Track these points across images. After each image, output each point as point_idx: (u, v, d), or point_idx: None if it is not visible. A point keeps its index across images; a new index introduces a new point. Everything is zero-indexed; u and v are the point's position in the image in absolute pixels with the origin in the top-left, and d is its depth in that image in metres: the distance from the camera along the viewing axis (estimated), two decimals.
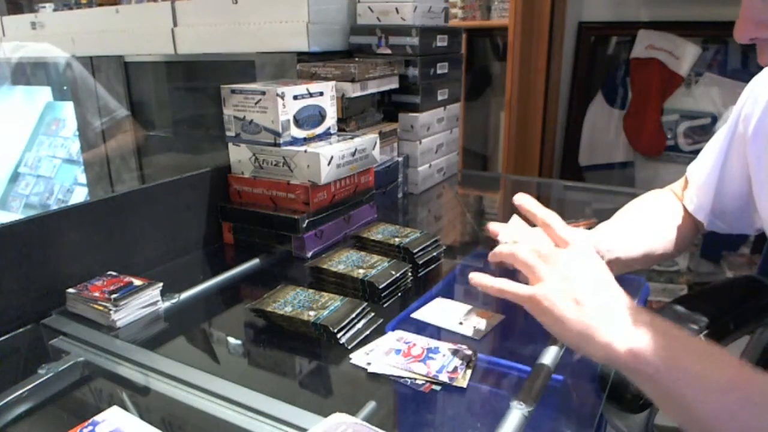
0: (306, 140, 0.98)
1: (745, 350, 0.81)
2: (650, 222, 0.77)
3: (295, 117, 0.95)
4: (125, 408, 0.54)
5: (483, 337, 0.69)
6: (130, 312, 0.73)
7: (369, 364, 0.62)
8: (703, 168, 0.76)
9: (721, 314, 0.74)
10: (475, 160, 2.73)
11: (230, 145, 0.99)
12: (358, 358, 0.63)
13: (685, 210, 0.79)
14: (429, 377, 0.59)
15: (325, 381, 0.65)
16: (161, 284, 0.77)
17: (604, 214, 0.80)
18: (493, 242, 0.68)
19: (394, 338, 0.67)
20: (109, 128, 1.67)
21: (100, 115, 1.66)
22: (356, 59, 1.24)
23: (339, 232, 1.00)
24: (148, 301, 0.76)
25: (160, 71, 1.61)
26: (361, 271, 0.79)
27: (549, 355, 0.61)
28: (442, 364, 0.61)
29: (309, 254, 0.94)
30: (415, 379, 0.59)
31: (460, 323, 0.71)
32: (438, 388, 0.58)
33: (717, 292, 0.82)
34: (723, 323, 0.73)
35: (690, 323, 0.71)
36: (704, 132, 2.09)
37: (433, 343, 0.65)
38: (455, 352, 0.63)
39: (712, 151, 0.75)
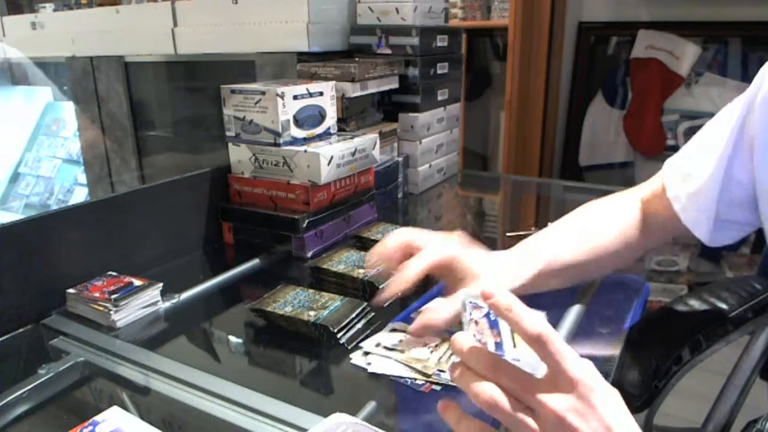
0: (306, 140, 0.98)
1: (745, 350, 0.81)
2: (592, 229, 0.69)
3: (295, 117, 0.95)
4: (125, 408, 0.54)
5: None
6: (130, 312, 0.73)
7: (369, 364, 0.62)
8: (698, 176, 0.64)
9: (720, 314, 0.74)
10: (475, 160, 2.74)
11: (230, 145, 0.99)
12: (357, 358, 0.63)
13: (642, 213, 0.70)
14: (429, 376, 0.59)
15: (325, 381, 0.65)
16: (161, 284, 0.77)
17: None
18: None
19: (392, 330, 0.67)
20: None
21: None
22: (356, 59, 1.24)
23: (339, 232, 1.00)
24: (148, 301, 0.76)
25: (160, 71, 1.61)
26: (361, 270, 0.79)
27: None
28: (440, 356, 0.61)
29: (309, 254, 0.94)
30: (415, 379, 0.59)
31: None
32: (438, 388, 0.58)
33: (716, 293, 0.82)
34: (722, 323, 0.73)
35: (689, 323, 0.71)
36: None
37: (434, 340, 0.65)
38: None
39: (707, 157, 0.64)
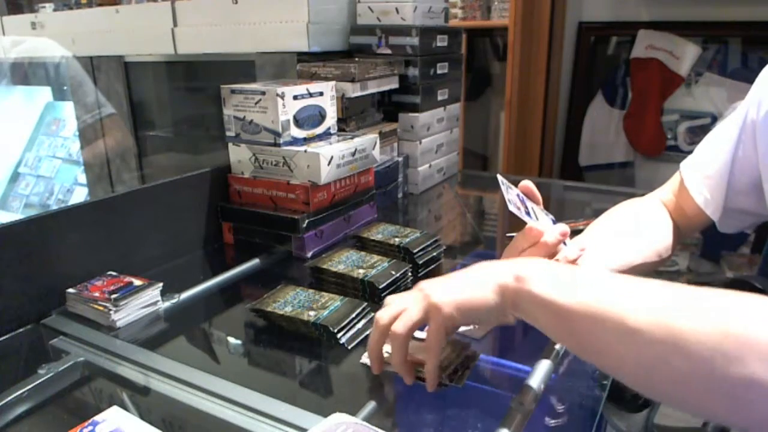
0: (306, 140, 0.98)
1: None
2: (633, 235, 0.73)
3: (295, 117, 0.95)
4: (125, 408, 0.54)
5: (483, 337, 0.69)
6: (130, 312, 0.73)
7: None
8: (711, 160, 0.71)
9: None
10: (475, 160, 2.73)
11: (230, 145, 0.99)
12: (366, 358, 0.63)
13: (672, 217, 0.75)
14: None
15: (325, 381, 0.65)
16: (161, 284, 0.77)
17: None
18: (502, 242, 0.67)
19: None
20: (92, 125, 1.67)
21: (88, 112, 1.66)
22: (356, 59, 1.24)
23: (339, 232, 1.00)
24: (148, 301, 0.76)
25: (160, 71, 1.61)
26: (361, 271, 0.79)
27: (549, 355, 0.61)
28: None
29: (309, 254, 0.94)
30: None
31: None
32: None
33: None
34: None
35: None
36: (704, 132, 2.08)
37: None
38: (458, 351, 0.62)
39: (718, 143, 0.70)
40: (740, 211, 0.70)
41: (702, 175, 0.72)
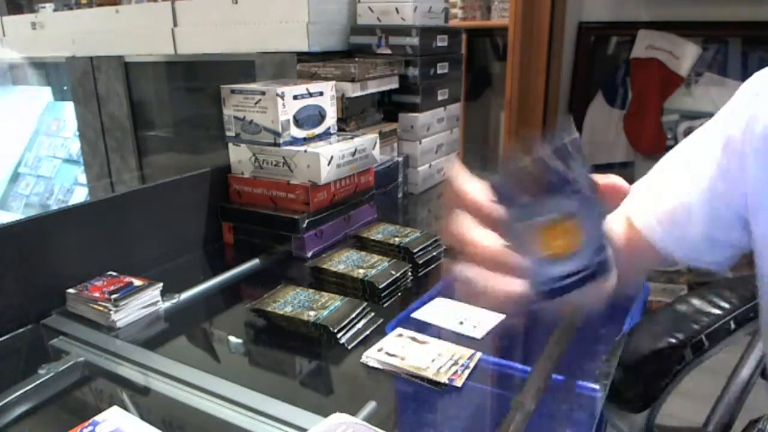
0: (306, 140, 0.98)
1: (747, 350, 0.81)
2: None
3: (295, 117, 0.95)
4: (125, 408, 0.54)
5: (483, 337, 0.69)
6: (130, 312, 0.73)
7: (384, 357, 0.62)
8: (675, 194, 0.59)
9: (722, 314, 0.74)
10: (475, 160, 2.74)
11: (230, 145, 0.99)
12: (366, 358, 0.63)
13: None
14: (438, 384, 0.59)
15: (325, 381, 0.65)
16: (161, 284, 0.77)
17: None
18: None
19: (396, 335, 0.67)
20: None
21: None
22: (356, 59, 1.24)
23: (339, 232, 1.00)
24: (148, 301, 0.76)
25: (160, 71, 1.61)
26: (361, 271, 0.79)
27: (549, 355, 0.61)
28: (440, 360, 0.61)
29: (309, 254, 0.94)
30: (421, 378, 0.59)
31: (461, 323, 0.71)
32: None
33: (718, 292, 0.82)
34: (723, 323, 0.73)
35: (691, 323, 0.71)
36: None
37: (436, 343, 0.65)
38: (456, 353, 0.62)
39: (689, 174, 0.58)
40: (724, 242, 0.61)
41: (659, 212, 0.60)
